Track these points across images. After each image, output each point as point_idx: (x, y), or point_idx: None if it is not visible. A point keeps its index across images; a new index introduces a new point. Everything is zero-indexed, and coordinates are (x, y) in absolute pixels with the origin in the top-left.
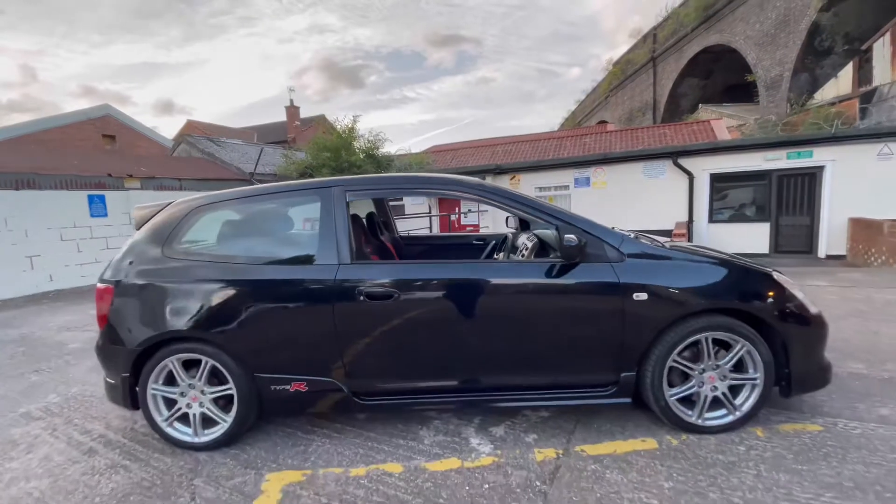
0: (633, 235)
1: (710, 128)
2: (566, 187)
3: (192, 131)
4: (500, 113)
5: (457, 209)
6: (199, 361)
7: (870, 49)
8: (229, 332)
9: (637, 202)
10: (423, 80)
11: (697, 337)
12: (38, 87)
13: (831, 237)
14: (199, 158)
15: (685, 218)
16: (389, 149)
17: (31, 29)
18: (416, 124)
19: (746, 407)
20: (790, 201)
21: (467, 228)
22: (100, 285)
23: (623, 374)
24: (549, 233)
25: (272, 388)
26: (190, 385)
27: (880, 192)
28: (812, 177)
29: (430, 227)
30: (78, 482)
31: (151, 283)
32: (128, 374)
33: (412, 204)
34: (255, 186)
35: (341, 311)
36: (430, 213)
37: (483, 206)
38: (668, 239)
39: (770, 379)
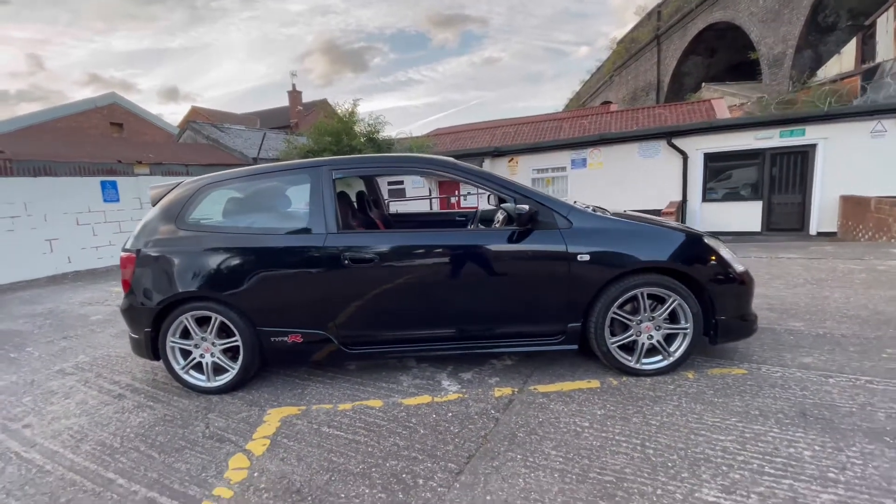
0: (590, 209)
1: (710, 107)
2: (563, 169)
3: (197, 118)
4: (506, 94)
5: (456, 192)
6: (210, 318)
7: (874, 24)
8: (235, 292)
9: (633, 182)
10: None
11: (634, 292)
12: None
13: (822, 215)
14: (204, 144)
15: (679, 197)
16: (391, 132)
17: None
18: (421, 107)
19: (679, 353)
20: (782, 180)
21: (468, 209)
22: (123, 254)
23: (570, 325)
24: (511, 206)
25: (272, 339)
26: (202, 338)
27: (873, 169)
28: (804, 155)
29: (430, 209)
30: (111, 418)
31: (167, 252)
32: (150, 330)
33: (413, 188)
34: (253, 167)
35: (329, 274)
36: (430, 195)
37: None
38: (626, 211)
39: (699, 328)
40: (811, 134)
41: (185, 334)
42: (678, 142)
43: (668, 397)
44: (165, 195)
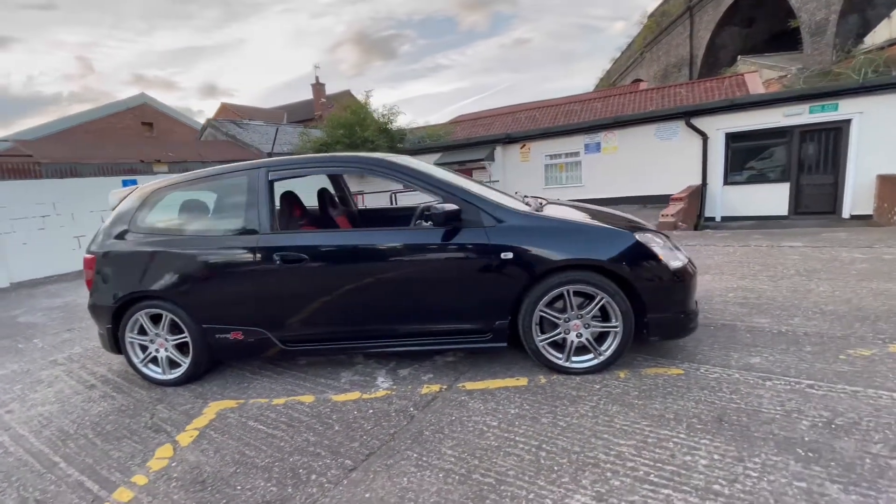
0: (538, 204)
1: (740, 83)
2: (576, 154)
3: (226, 114)
4: (537, 76)
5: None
6: (161, 315)
7: None
8: (180, 291)
9: (649, 166)
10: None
11: (560, 290)
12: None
13: (857, 196)
14: (223, 141)
15: (699, 181)
16: (419, 121)
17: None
18: (450, 92)
19: (609, 352)
20: (813, 159)
21: None
22: (86, 256)
23: (497, 323)
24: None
25: (217, 336)
26: (157, 334)
27: None
28: (837, 132)
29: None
30: (77, 406)
31: (121, 253)
32: (110, 326)
33: None
34: (200, 170)
35: (263, 273)
36: None
37: (494, 177)
38: (572, 201)
39: (629, 327)
40: (845, 108)
41: (143, 330)
42: (697, 122)
43: (588, 397)
44: (123, 199)
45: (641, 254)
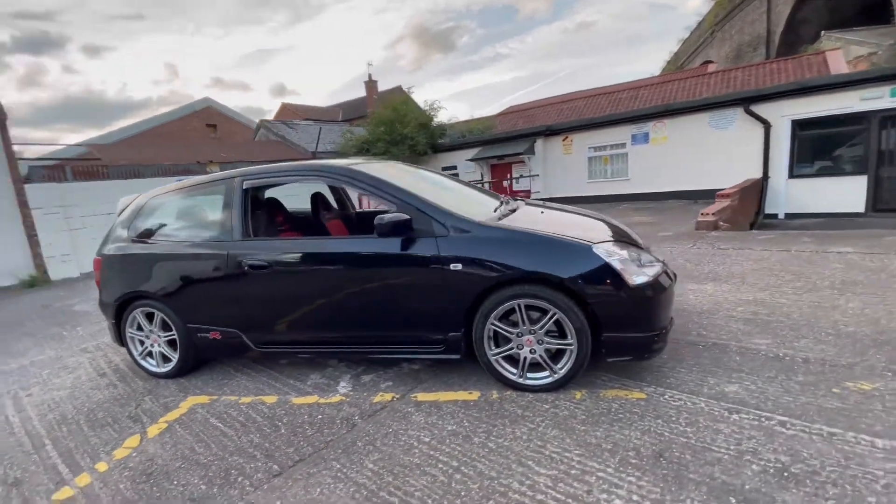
0: (509, 209)
1: (821, 62)
2: (622, 145)
3: (286, 114)
4: (600, 61)
5: (508, 175)
6: (154, 314)
7: None
8: (167, 292)
9: (701, 158)
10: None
11: (512, 303)
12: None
13: None
14: (273, 141)
15: (759, 174)
16: (474, 113)
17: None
18: (509, 82)
19: (564, 370)
20: None
21: (519, 194)
22: (95, 258)
23: (450, 334)
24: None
25: (199, 335)
26: (151, 331)
27: None
28: None
29: None
30: (84, 393)
31: (121, 257)
32: (114, 321)
33: (465, 172)
34: (189, 179)
35: (234, 279)
36: (482, 179)
37: (534, 171)
38: (542, 202)
39: (584, 345)
40: None
41: (140, 327)
42: (759, 108)
43: (532, 418)
44: (128, 206)
45: (598, 268)
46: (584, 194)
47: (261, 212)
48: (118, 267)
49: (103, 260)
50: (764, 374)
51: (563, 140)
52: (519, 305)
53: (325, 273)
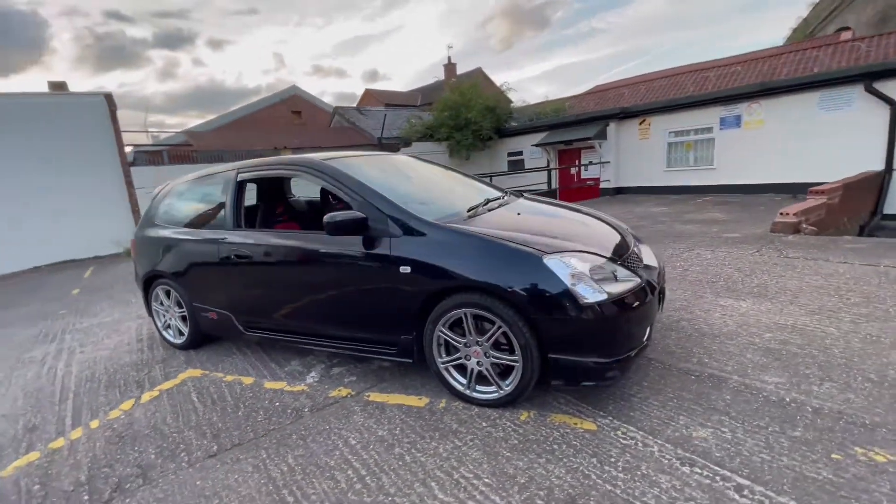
0: (490, 205)
1: None
2: (709, 130)
3: (368, 99)
4: (713, 32)
5: (577, 161)
6: (170, 291)
7: None
8: (178, 274)
9: (806, 146)
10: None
11: (458, 312)
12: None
13: None
14: (346, 127)
15: (880, 165)
16: (565, 92)
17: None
18: (605, 58)
19: (510, 388)
20: None
21: (587, 182)
22: (131, 239)
23: (402, 337)
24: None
25: (201, 314)
26: (168, 306)
27: None
28: None
29: (549, 182)
30: (120, 356)
31: (147, 238)
32: (144, 295)
33: (531, 158)
34: (197, 173)
35: (225, 265)
36: (548, 166)
37: (605, 158)
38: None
39: (529, 363)
40: None
41: (162, 302)
42: (885, 86)
43: (463, 435)
44: (158, 193)
45: (545, 281)
46: (660, 184)
47: (259, 202)
48: (144, 248)
49: (136, 241)
50: (753, 421)
51: (640, 123)
52: (465, 314)
53: (289, 266)
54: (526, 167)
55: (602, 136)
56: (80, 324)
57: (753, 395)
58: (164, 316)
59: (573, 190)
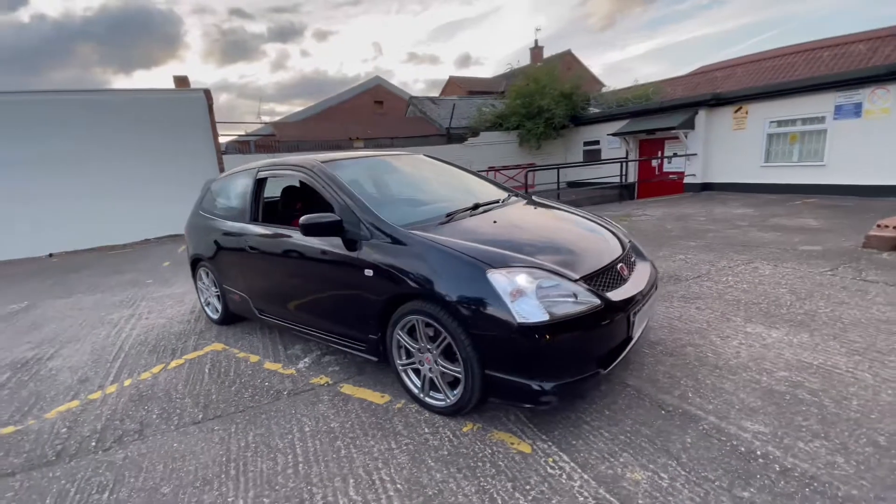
0: (477, 210)
1: None
2: (820, 119)
3: (452, 88)
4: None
5: (659, 153)
6: (209, 272)
7: None
8: (212, 258)
9: None
10: None
11: (412, 318)
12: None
13: None
14: (418, 118)
15: None
16: (677, 71)
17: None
18: (723, 33)
19: (455, 398)
20: None
21: (670, 176)
22: (186, 225)
23: (370, 336)
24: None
25: (229, 295)
26: (207, 286)
27: None
28: None
29: (624, 175)
30: (172, 325)
31: (193, 225)
32: (192, 274)
33: (609, 148)
34: (233, 169)
35: (243, 254)
36: (626, 157)
37: (691, 150)
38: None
39: (471, 376)
40: None
41: (204, 281)
42: None
43: (402, 439)
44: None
45: (485, 295)
46: (755, 181)
47: (281, 198)
48: (192, 233)
49: (187, 226)
50: (702, 472)
51: (736, 112)
52: (417, 321)
53: (285, 260)
54: (602, 158)
55: (689, 125)
56: (157, 293)
57: (720, 442)
58: (205, 294)
59: (653, 184)
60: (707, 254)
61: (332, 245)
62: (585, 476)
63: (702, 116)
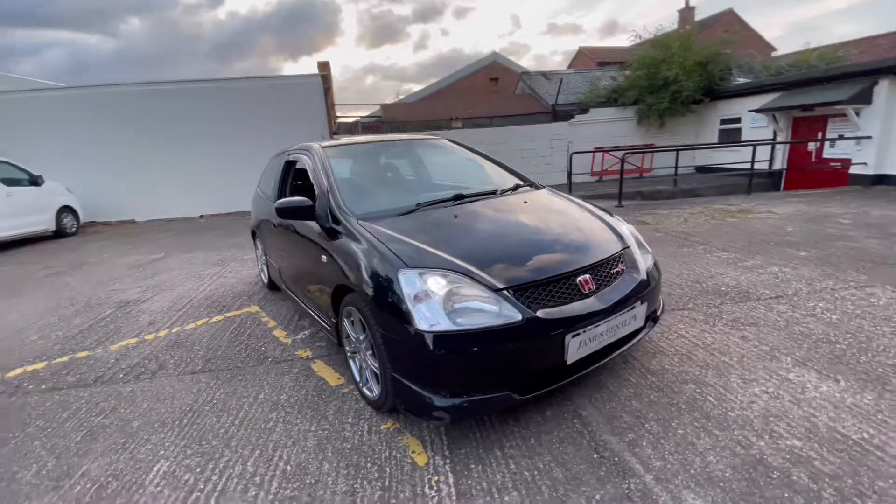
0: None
1: None
2: None
3: (582, 59)
4: None
5: (819, 134)
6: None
7: None
8: (258, 230)
9: None
10: None
11: (350, 308)
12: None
13: None
14: (526, 95)
15: None
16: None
17: None
18: None
19: (376, 393)
20: None
21: (831, 164)
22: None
23: (332, 319)
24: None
25: (270, 264)
26: (259, 256)
27: None
28: None
29: (771, 160)
30: (239, 283)
31: (254, 199)
32: (253, 243)
33: (751, 128)
34: (282, 150)
35: (271, 230)
36: (774, 139)
37: (863, 132)
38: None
39: (385, 376)
40: None
41: (258, 249)
42: None
43: (325, 424)
44: None
45: (395, 296)
46: None
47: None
48: (253, 206)
49: (253, 200)
50: None
51: None
52: (349, 311)
53: (288, 237)
54: (742, 139)
55: (863, 99)
56: (246, 256)
57: (625, 495)
58: (258, 261)
59: (807, 174)
60: (814, 269)
61: (312, 229)
62: (470, 478)
63: (882, 88)
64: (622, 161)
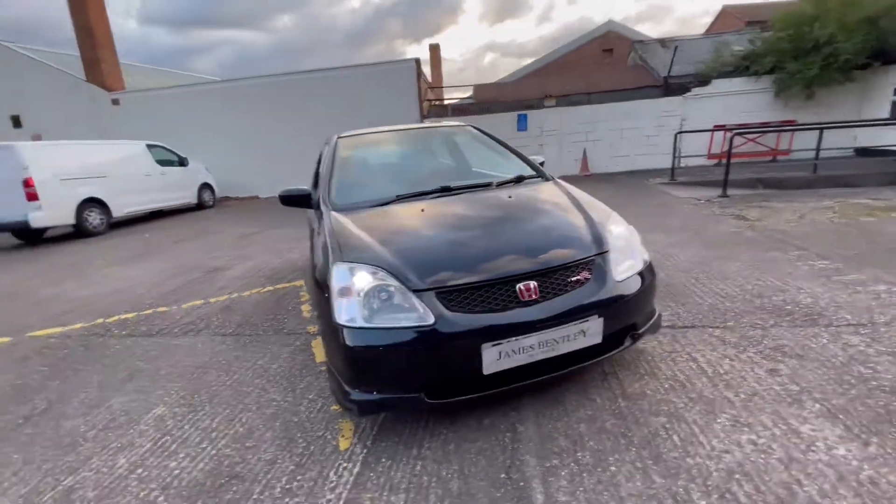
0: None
1: None
2: None
3: (726, 19)
4: None
5: None
6: None
7: None
8: None
9: None
10: None
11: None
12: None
13: None
14: (637, 66)
15: None
16: None
17: None
18: None
19: None
20: None
21: None
22: None
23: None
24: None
25: None
26: None
27: None
28: None
29: None
30: (299, 261)
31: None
32: None
33: None
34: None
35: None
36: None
37: None
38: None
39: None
40: None
41: None
42: None
43: (287, 396)
44: None
45: (327, 286)
46: None
47: None
48: None
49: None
50: None
51: None
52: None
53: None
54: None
55: None
56: None
57: None
58: None
59: None
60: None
61: (314, 216)
62: (345, 496)
63: None
64: (730, 141)
